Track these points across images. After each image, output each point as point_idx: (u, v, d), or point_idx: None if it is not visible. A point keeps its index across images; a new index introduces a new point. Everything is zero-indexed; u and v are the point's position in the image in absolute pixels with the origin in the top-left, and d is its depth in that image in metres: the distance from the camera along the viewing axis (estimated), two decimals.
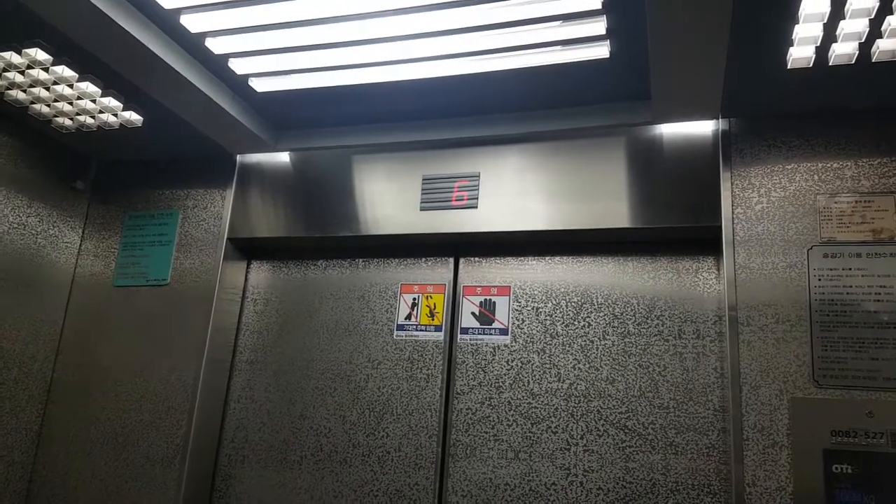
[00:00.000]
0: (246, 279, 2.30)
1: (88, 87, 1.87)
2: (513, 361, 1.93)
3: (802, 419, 1.52)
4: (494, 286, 2.01)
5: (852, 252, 1.58)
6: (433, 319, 2.03)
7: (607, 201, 1.83)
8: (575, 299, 1.93)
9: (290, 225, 2.15)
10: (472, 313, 2.01)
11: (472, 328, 1.99)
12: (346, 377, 2.07)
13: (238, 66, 1.81)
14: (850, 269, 1.57)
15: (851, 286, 1.56)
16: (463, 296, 2.04)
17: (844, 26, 1.37)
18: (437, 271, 2.09)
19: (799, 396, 1.53)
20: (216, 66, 1.82)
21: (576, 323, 1.91)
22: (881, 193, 1.60)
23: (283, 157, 2.23)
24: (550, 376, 1.88)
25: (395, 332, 2.06)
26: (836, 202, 1.62)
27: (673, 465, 1.72)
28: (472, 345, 1.98)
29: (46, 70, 1.81)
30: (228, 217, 2.21)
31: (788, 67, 1.50)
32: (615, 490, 1.75)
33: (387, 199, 2.05)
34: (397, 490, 1.92)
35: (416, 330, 2.04)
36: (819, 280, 1.59)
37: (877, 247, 1.57)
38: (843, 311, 1.55)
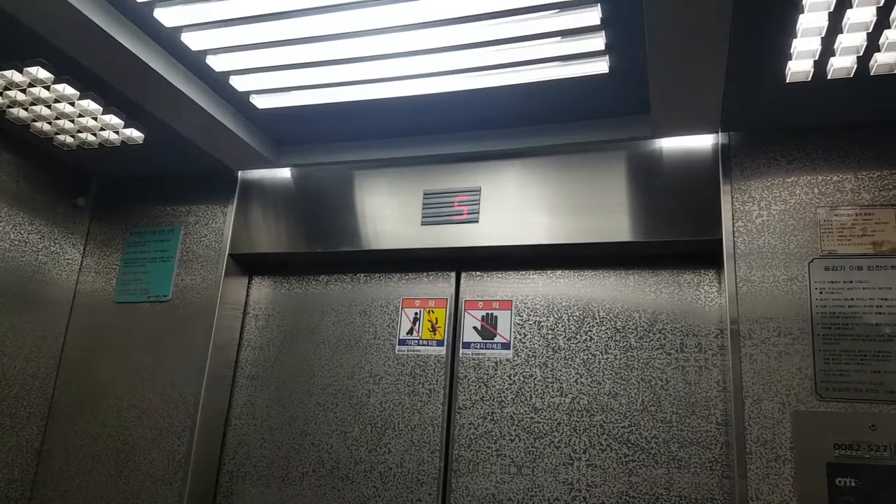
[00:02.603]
0: (247, 295, 2.30)
1: (90, 104, 1.88)
2: (515, 376, 1.92)
3: (805, 432, 1.51)
4: (496, 300, 2.01)
5: (853, 265, 1.58)
6: (435, 334, 2.03)
7: (608, 215, 1.83)
8: (577, 313, 1.93)
9: (291, 240, 2.15)
10: (474, 328, 2.00)
11: (474, 342, 1.99)
12: (347, 392, 2.07)
13: (239, 84, 1.81)
14: (852, 281, 1.57)
15: (853, 299, 1.56)
16: (464, 310, 2.04)
17: (842, 40, 1.37)
18: (439, 286, 2.09)
19: (801, 410, 1.53)
20: (217, 84, 1.83)
21: (578, 337, 1.90)
22: (881, 206, 1.60)
23: (285, 173, 2.24)
24: (553, 391, 1.88)
25: (397, 347, 2.06)
26: (836, 215, 1.63)
27: (676, 479, 1.72)
28: (473, 359, 1.98)
29: (48, 88, 1.82)
30: (230, 233, 2.22)
31: (787, 81, 1.51)
32: None
33: (388, 213, 2.06)
34: None
35: (418, 344, 2.03)
36: (820, 293, 1.59)
37: (878, 259, 1.57)
38: (845, 324, 1.55)
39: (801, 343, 1.57)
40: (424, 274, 2.12)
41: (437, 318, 2.04)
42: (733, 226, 1.69)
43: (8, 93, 1.86)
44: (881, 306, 1.54)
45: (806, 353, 1.56)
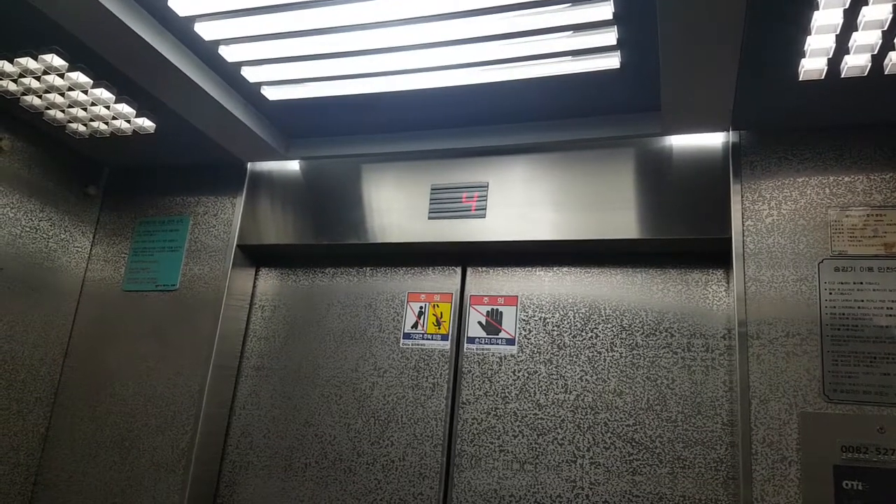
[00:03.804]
0: (254, 286, 2.31)
1: (103, 93, 1.90)
2: (519, 372, 1.92)
3: (812, 434, 1.49)
4: (502, 296, 2.01)
5: (864, 266, 1.57)
6: (440, 328, 2.02)
7: (616, 212, 1.82)
8: (583, 310, 1.92)
9: (298, 232, 2.15)
10: (479, 323, 2.00)
11: (479, 338, 1.98)
12: (351, 385, 2.07)
13: (250, 75, 1.82)
14: (862, 283, 1.56)
15: (863, 300, 1.55)
16: (470, 305, 2.03)
17: (857, 38, 1.36)
18: (445, 280, 2.09)
19: (809, 411, 1.51)
20: (229, 74, 1.84)
21: (583, 334, 1.89)
22: (893, 207, 1.58)
23: (294, 166, 2.24)
24: (557, 387, 1.87)
25: (402, 341, 2.06)
26: (847, 216, 1.61)
27: (680, 479, 1.70)
28: (478, 354, 1.97)
29: (62, 76, 1.83)
30: (238, 224, 2.23)
31: (800, 79, 1.50)
32: (622, 503, 1.73)
33: (395, 207, 2.06)
34: (401, 499, 1.90)
35: (423, 339, 2.03)
36: (830, 294, 1.57)
37: (889, 261, 1.55)
38: (855, 326, 1.54)
39: (810, 344, 1.55)
40: (430, 268, 2.12)
41: (442, 313, 2.04)
42: (743, 225, 1.68)
43: (22, 80, 1.87)
44: (891, 308, 1.52)
45: (814, 355, 1.54)
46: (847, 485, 1.45)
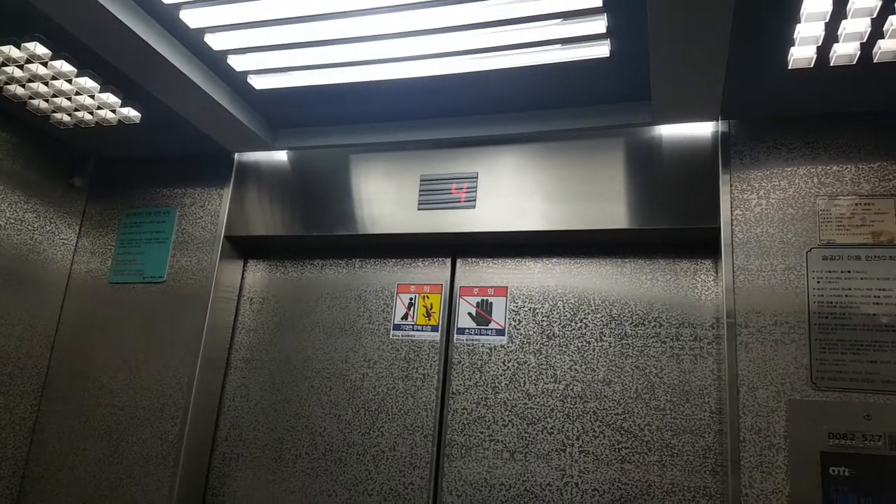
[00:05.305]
0: (242, 278, 2.29)
1: (87, 82, 1.87)
2: (509, 362, 1.92)
3: (800, 421, 1.50)
4: (491, 287, 2.01)
5: (851, 255, 1.57)
6: (430, 319, 2.02)
7: (606, 202, 1.82)
8: (572, 300, 1.92)
9: (287, 223, 2.14)
10: (469, 313, 2.00)
11: (469, 328, 1.98)
12: (341, 376, 2.06)
13: (237, 63, 1.80)
14: (850, 271, 1.56)
15: (850, 289, 1.55)
16: (460, 296, 2.03)
17: (846, 26, 1.36)
18: (435, 271, 2.09)
19: (796, 399, 1.52)
20: (215, 63, 1.82)
21: (573, 324, 1.90)
22: (881, 196, 1.59)
23: (281, 156, 2.22)
24: (547, 377, 1.87)
25: (392, 332, 2.05)
26: (835, 205, 1.62)
27: (669, 467, 1.71)
28: (468, 345, 1.97)
29: (45, 65, 1.80)
30: (226, 215, 2.21)
31: (790, 68, 1.49)
32: (610, 491, 1.74)
33: (384, 198, 2.05)
34: (392, 489, 1.90)
35: (413, 330, 2.03)
36: (818, 282, 1.58)
37: (876, 249, 1.56)
38: (842, 314, 1.54)
39: (798, 332, 1.56)
40: (420, 259, 2.11)
41: (432, 304, 2.04)
42: (731, 214, 1.68)
43: (5, 69, 1.84)
44: (878, 296, 1.53)
45: (802, 343, 1.55)
46: (834, 471, 1.46)
